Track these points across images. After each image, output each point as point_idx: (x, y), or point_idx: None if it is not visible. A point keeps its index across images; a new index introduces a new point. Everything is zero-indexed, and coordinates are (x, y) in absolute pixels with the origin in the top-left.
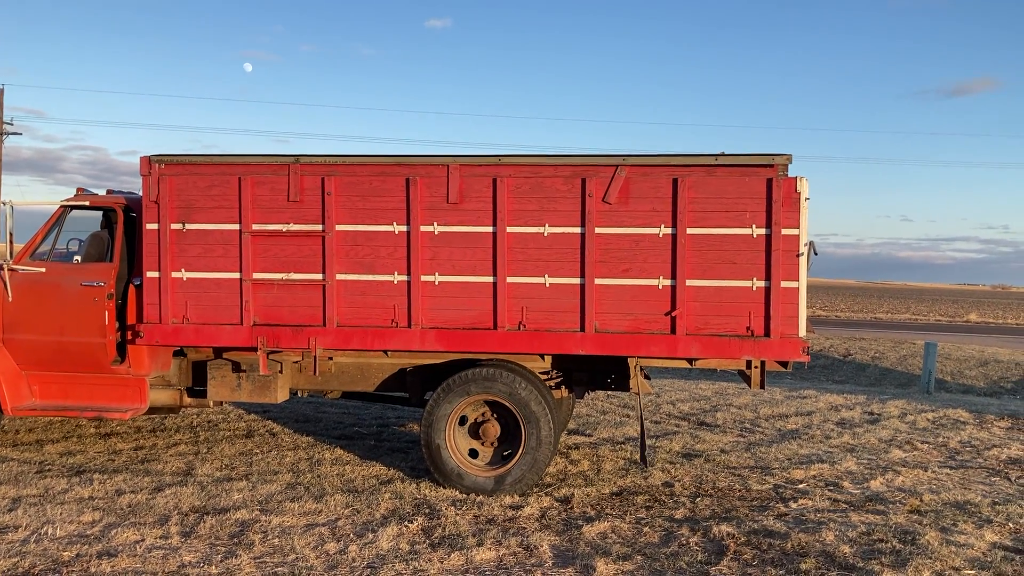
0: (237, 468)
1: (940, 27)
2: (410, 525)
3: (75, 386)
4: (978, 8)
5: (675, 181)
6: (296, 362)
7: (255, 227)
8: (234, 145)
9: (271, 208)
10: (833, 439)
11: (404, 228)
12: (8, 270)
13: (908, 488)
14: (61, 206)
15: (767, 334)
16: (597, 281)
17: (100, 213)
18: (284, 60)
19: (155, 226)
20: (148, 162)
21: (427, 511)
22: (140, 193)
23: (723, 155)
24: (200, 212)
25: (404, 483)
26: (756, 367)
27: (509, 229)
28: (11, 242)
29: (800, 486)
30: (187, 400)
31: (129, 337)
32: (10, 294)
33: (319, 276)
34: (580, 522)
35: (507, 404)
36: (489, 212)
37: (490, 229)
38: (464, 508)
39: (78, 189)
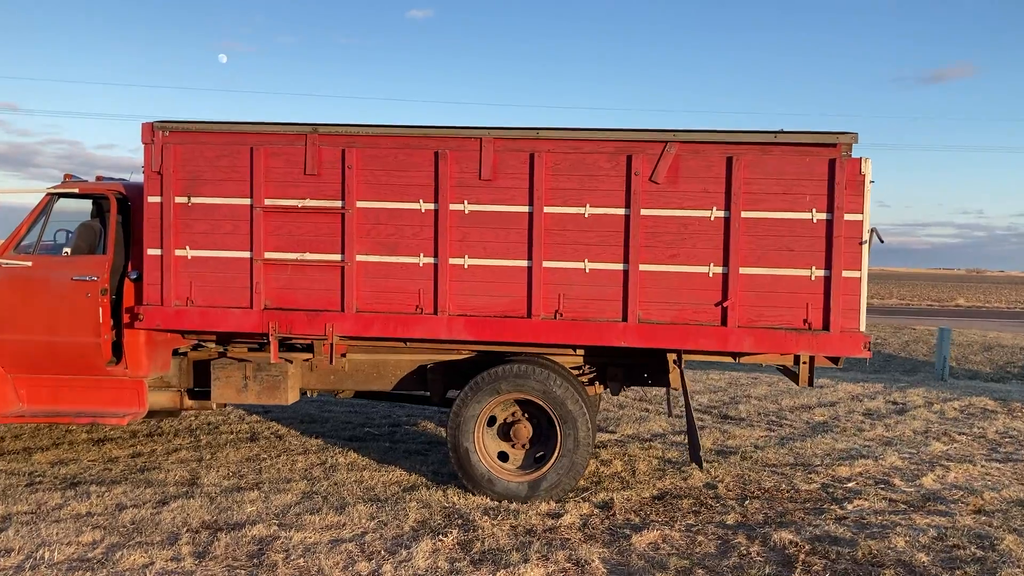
0: (246, 476)
1: (918, 14)
2: (445, 539)
3: (66, 390)
4: None
5: (729, 160)
6: (307, 360)
7: (268, 202)
8: None
9: (286, 182)
10: (867, 432)
11: (431, 206)
12: None
13: (963, 485)
14: (48, 194)
15: (826, 328)
16: (642, 267)
17: (90, 202)
18: (262, 51)
19: (157, 199)
20: (151, 129)
21: (460, 522)
22: (131, 180)
23: (782, 132)
24: (207, 185)
25: (429, 490)
26: (804, 363)
27: (546, 209)
28: None
29: (849, 485)
30: (188, 402)
31: (127, 320)
32: None
33: (337, 257)
34: (626, 531)
35: (541, 403)
36: (525, 190)
37: (526, 209)
38: (499, 518)
39: (65, 176)
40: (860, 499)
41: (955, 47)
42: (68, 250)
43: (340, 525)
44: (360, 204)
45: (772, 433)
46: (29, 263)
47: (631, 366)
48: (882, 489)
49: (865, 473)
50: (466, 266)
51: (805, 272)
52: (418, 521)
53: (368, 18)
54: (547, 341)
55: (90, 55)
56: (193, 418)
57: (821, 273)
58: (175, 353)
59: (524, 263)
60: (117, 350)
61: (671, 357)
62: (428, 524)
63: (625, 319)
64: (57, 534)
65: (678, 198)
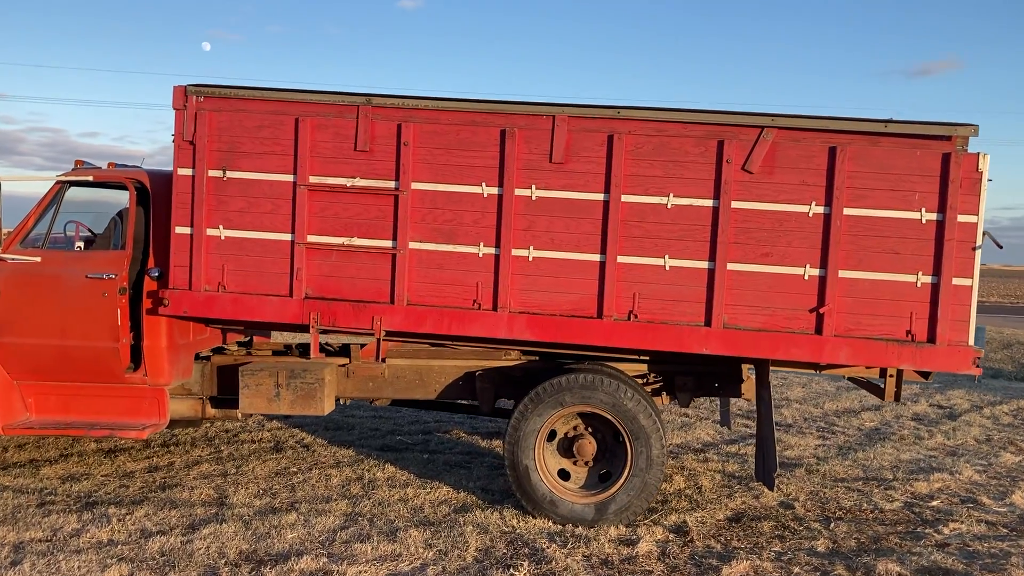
0: (279, 494)
1: (905, 6)
2: (516, 573)
3: (79, 399)
4: None
5: (832, 150)
6: (343, 366)
7: (313, 180)
8: None
9: (334, 157)
10: (926, 440)
11: (495, 190)
12: None
13: None
14: (58, 182)
15: (931, 340)
16: (730, 266)
17: (102, 190)
18: (250, 40)
19: (188, 172)
20: (183, 93)
21: (527, 551)
22: (145, 167)
23: (892, 121)
24: (246, 158)
25: (483, 511)
26: (892, 376)
27: (624, 198)
28: (0, 227)
29: (934, 504)
30: (211, 411)
31: (149, 306)
32: None
33: (388, 243)
34: (712, 561)
35: (610, 417)
36: (601, 176)
37: (601, 196)
38: (569, 546)
39: (77, 162)
40: (954, 521)
41: (942, 40)
42: (81, 244)
43: (395, 556)
44: (416, 186)
45: (827, 442)
46: (38, 259)
47: (702, 374)
48: (972, 509)
49: (946, 489)
50: (531, 258)
51: (911, 278)
52: (480, 550)
53: (358, 8)
54: (619, 345)
55: (73, 41)
56: (208, 425)
57: (928, 279)
58: (197, 358)
59: (596, 257)
60: (136, 355)
61: (746, 366)
62: (492, 554)
63: (708, 323)
64: (79, 568)
65: (773, 190)
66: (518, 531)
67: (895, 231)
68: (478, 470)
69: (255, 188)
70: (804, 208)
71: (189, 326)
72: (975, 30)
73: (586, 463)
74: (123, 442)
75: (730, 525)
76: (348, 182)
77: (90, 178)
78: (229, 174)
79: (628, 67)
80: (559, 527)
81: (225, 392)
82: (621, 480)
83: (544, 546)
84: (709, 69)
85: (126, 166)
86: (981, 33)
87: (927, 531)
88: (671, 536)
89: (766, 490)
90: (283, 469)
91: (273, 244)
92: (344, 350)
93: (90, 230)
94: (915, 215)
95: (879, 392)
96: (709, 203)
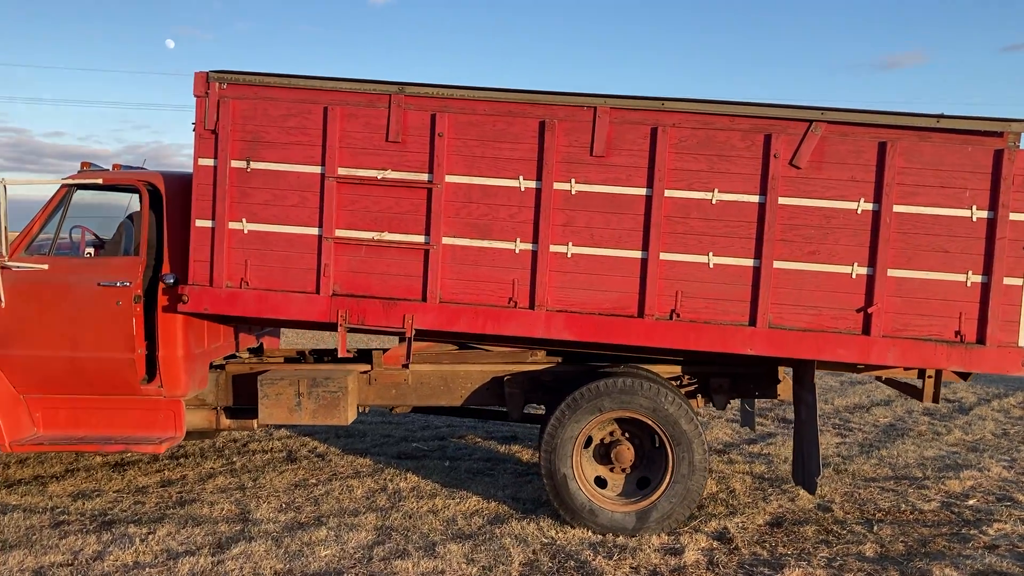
0: (303, 508)
1: (874, 1)
2: None
3: (90, 412)
4: None
5: (882, 145)
6: (365, 372)
7: (342, 171)
8: (169, 124)
9: (364, 149)
10: (945, 436)
11: (533, 184)
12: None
13: None
14: (64, 185)
15: (981, 341)
16: (776, 264)
17: (112, 194)
18: (220, 38)
19: (210, 162)
20: (205, 80)
21: (572, 564)
22: (147, 167)
23: (944, 116)
24: (271, 148)
25: (518, 521)
26: (930, 376)
27: (668, 193)
28: (5, 232)
29: (971, 503)
30: (226, 422)
31: (164, 315)
32: (2, 298)
33: (421, 238)
34: (763, 569)
35: (649, 422)
36: (643, 170)
37: (643, 191)
38: (615, 557)
39: (83, 164)
40: (997, 522)
41: (907, 33)
42: (91, 251)
43: (439, 572)
44: (450, 179)
45: (846, 439)
46: (46, 266)
47: (738, 376)
48: (1010, 508)
49: (979, 488)
50: (569, 255)
51: (960, 277)
52: (524, 564)
53: (330, 5)
54: (661, 345)
55: (35, 39)
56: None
57: (978, 279)
58: (211, 367)
59: (638, 254)
60: (150, 366)
61: (783, 367)
62: (538, 567)
63: (753, 323)
64: None
65: (821, 187)
66: (559, 542)
67: (945, 229)
68: (503, 477)
69: (281, 180)
70: (852, 205)
71: (204, 334)
72: (939, 22)
73: (623, 470)
74: (131, 456)
75: (772, 530)
76: (379, 174)
77: (99, 181)
78: (253, 165)
79: (595, 60)
80: (599, 537)
81: (241, 402)
82: (663, 487)
83: (589, 558)
84: (666, 61)
85: (132, 168)
86: (945, 25)
87: (972, 532)
88: (715, 544)
89: (802, 492)
90: (302, 481)
91: (299, 239)
92: (365, 356)
93: (96, 235)
94: (965, 213)
95: (916, 393)
96: (755, 199)
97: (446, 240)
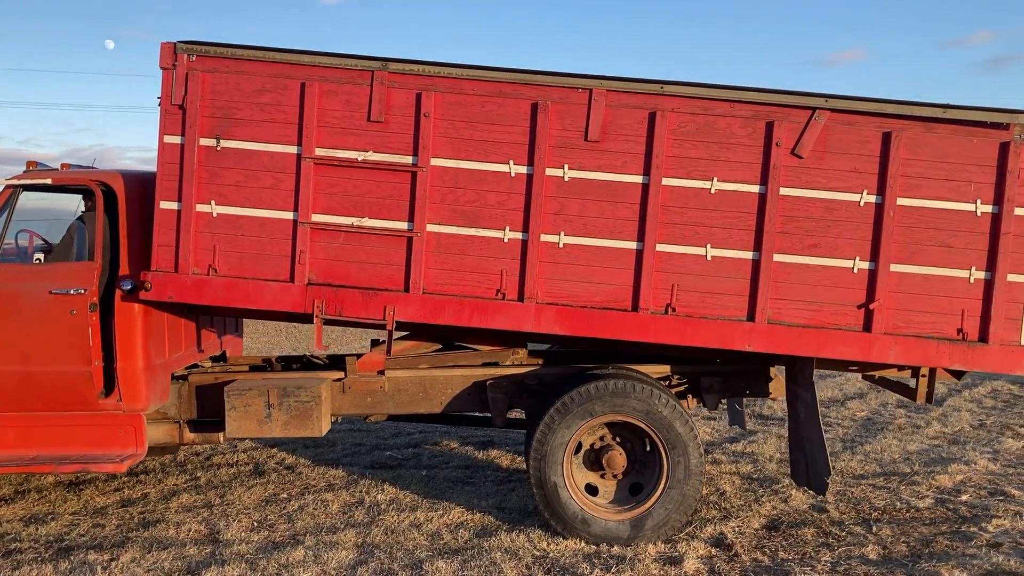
0: (276, 526)
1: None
2: None
3: (42, 430)
4: None
5: (886, 136)
6: (338, 380)
7: (320, 152)
8: (112, 125)
9: (344, 128)
10: (924, 428)
11: (524, 169)
12: None
13: None
14: (7, 186)
15: (983, 339)
16: (776, 258)
17: (58, 196)
18: (164, 38)
19: (177, 140)
20: (173, 51)
21: None
22: (100, 168)
23: (951, 107)
24: (243, 126)
25: (507, 534)
26: (924, 375)
27: (665, 181)
28: None
29: (964, 498)
30: (189, 436)
31: (122, 323)
32: None
33: (404, 225)
34: None
35: (642, 426)
36: (640, 156)
37: (639, 179)
38: (613, 569)
39: (29, 163)
40: (996, 518)
41: (847, 32)
42: (40, 256)
43: None
44: (436, 162)
45: (827, 435)
46: None
47: (729, 375)
48: (1004, 502)
49: (969, 482)
50: (561, 244)
51: (963, 273)
52: None
53: (279, 5)
54: (655, 340)
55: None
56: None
57: (981, 275)
58: (173, 378)
59: (633, 245)
60: (108, 378)
61: (774, 366)
62: None
63: (752, 319)
64: None
65: (823, 177)
66: (552, 555)
67: (948, 223)
68: (485, 486)
69: (253, 160)
70: (855, 197)
71: (165, 343)
72: (878, 20)
73: (614, 476)
74: (88, 474)
75: (770, 534)
76: (360, 156)
77: (48, 181)
78: (224, 143)
79: (528, 45)
80: (593, 548)
81: (206, 414)
82: (657, 493)
83: (585, 571)
84: (609, 60)
85: (81, 167)
86: (884, 24)
87: (972, 530)
88: (713, 551)
89: (794, 492)
90: (272, 496)
91: (272, 223)
92: (336, 362)
93: (44, 239)
94: (969, 207)
95: (909, 393)
96: (756, 189)
97: (431, 227)
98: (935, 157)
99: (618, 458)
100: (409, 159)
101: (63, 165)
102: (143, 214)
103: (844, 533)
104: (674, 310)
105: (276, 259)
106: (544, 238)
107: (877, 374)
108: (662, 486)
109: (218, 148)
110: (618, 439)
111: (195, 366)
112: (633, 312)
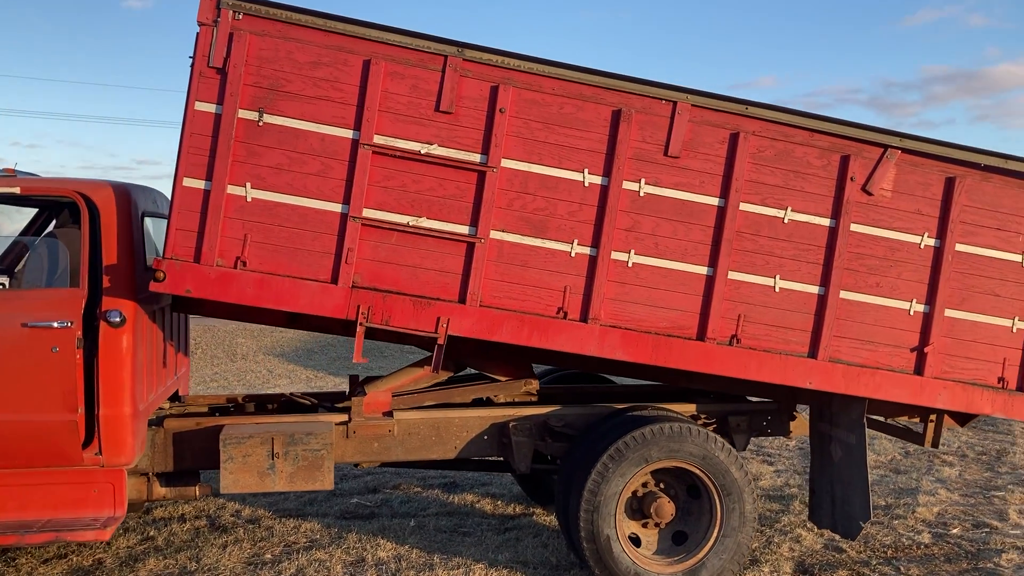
0: None
1: (730, 30)
2: None
3: (5, 490)
4: (764, 10)
5: (949, 180)
6: (342, 424)
7: (379, 140)
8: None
9: (409, 116)
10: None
11: (598, 180)
12: None
13: None
14: None
15: (1022, 388)
16: (842, 294)
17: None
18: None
19: (211, 108)
20: (215, 5)
21: None
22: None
23: (1013, 158)
24: (292, 101)
25: None
26: (932, 420)
27: (742, 206)
28: None
29: (955, 531)
30: (160, 491)
31: (109, 348)
32: None
33: (465, 229)
34: None
35: (697, 471)
36: (719, 177)
37: (715, 201)
38: None
39: (6, 170)
40: (1004, 553)
41: (761, 62)
42: (5, 281)
43: None
44: (506, 163)
45: (776, 467)
46: None
47: (755, 413)
48: (993, 534)
49: (946, 514)
50: (630, 264)
51: (1007, 322)
52: None
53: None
54: (716, 372)
55: None
56: None
57: (1023, 325)
58: (149, 423)
59: (704, 270)
60: (90, 427)
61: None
62: None
63: (814, 355)
64: None
65: (889, 216)
66: None
67: (997, 272)
68: (486, 536)
69: (300, 141)
70: (916, 239)
71: (153, 383)
72: (788, 51)
73: (656, 524)
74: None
75: None
76: (423, 148)
77: (16, 190)
78: (267, 118)
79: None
80: None
81: (183, 465)
82: (710, 542)
83: None
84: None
85: (30, 175)
86: (793, 55)
87: (989, 566)
88: None
89: (804, 532)
90: (256, 557)
91: (316, 215)
92: (325, 400)
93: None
94: (1016, 258)
95: (917, 439)
96: (827, 222)
97: (494, 234)
98: (989, 206)
99: (667, 506)
100: (478, 157)
101: (7, 170)
102: (129, 233)
103: (877, 575)
104: (739, 341)
105: (317, 256)
106: (614, 255)
107: (893, 418)
108: (715, 534)
109: (260, 123)
110: (662, 486)
111: (160, 409)
112: (699, 341)
